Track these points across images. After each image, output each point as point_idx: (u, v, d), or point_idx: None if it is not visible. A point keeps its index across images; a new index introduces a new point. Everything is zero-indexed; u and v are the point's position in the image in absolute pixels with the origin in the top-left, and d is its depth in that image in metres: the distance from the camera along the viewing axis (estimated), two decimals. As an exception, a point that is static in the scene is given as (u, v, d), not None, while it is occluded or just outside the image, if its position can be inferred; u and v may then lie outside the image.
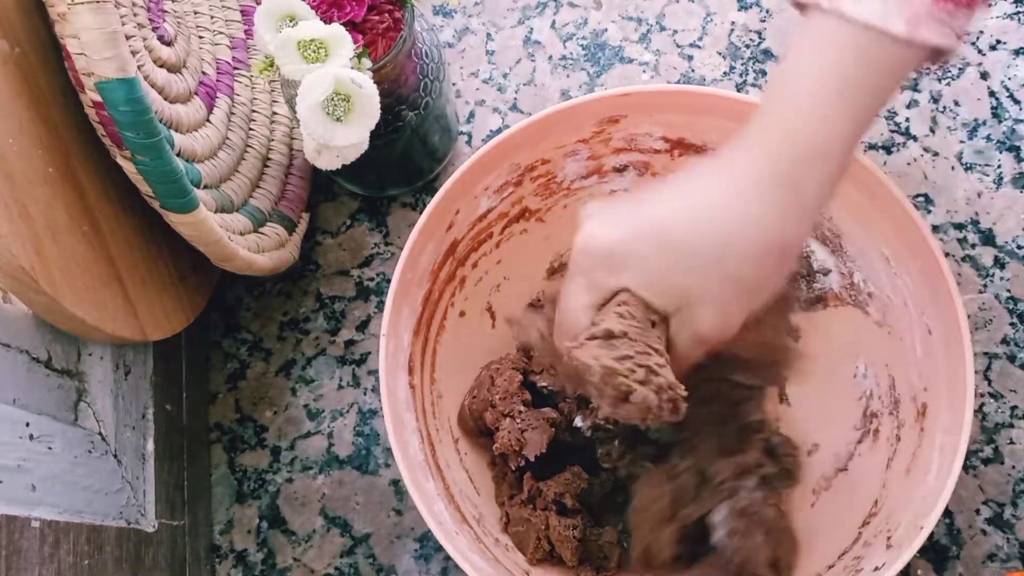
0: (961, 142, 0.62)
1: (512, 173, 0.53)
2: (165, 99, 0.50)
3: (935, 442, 0.45)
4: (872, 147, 0.62)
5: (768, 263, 0.39)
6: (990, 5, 0.36)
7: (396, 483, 0.58)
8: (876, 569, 0.43)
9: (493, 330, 0.57)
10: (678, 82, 0.65)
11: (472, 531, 0.48)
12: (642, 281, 0.40)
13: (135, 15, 0.48)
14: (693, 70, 0.65)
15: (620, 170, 0.55)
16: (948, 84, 0.63)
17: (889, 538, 0.45)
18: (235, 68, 0.60)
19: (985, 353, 0.56)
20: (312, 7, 0.49)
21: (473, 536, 0.48)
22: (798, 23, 0.39)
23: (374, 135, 0.50)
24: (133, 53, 0.46)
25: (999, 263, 0.59)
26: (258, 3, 0.48)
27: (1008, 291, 0.58)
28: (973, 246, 0.59)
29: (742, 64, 0.64)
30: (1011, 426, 0.55)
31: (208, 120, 0.55)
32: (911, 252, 0.48)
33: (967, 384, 0.44)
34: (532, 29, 0.68)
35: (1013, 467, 0.55)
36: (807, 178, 0.38)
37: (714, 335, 0.40)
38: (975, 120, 0.62)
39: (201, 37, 0.58)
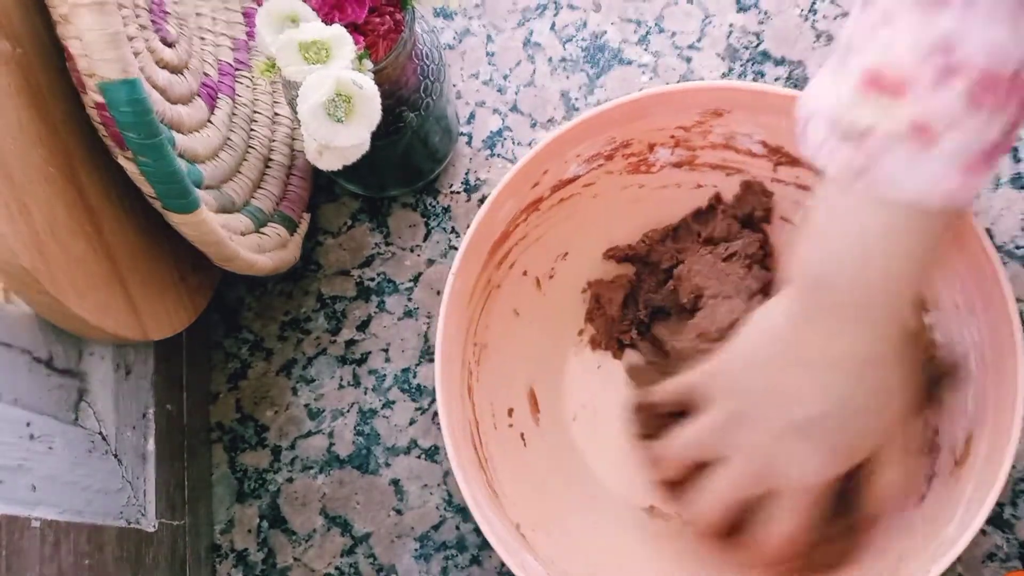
0: (960, 143, 0.62)
1: (606, 145, 0.53)
2: (167, 100, 0.50)
3: (964, 495, 0.45)
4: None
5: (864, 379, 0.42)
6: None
7: (396, 483, 0.58)
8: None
9: (545, 296, 0.58)
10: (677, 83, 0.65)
11: (485, 476, 0.49)
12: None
13: (137, 16, 0.49)
14: (692, 72, 0.65)
15: (713, 167, 0.55)
16: (947, 86, 0.63)
17: None
18: (237, 69, 0.61)
19: (984, 354, 0.57)
20: (313, 9, 0.49)
21: (484, 480, 0.49)
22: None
23: (375, 136, 0.50)
24: (135, 54, 0.46)
25: (998, 264, 0.59)
26: (260, 5, 0.48)
27: (1007, 292, 0.58)
28: (972, 247, 0.59)
29: (740, 66, 0.65)
30: (1010, 426, 0.55)
31: (210, 121, 0.55)
32: (984, 303, 0.46)
33: (1009, 445, 0.43)
34: (532, 31, 0.68)
35: (1013, 467, 0.55)
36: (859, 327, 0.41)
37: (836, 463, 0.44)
38: (974, 122, 0.62)
39: (203, 38, 0.58)
